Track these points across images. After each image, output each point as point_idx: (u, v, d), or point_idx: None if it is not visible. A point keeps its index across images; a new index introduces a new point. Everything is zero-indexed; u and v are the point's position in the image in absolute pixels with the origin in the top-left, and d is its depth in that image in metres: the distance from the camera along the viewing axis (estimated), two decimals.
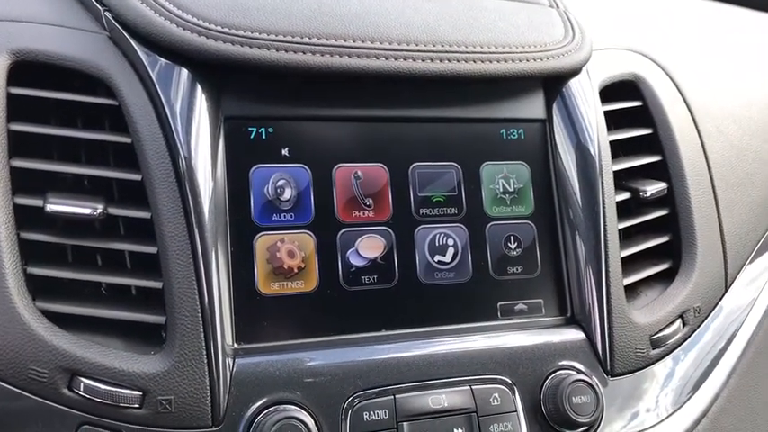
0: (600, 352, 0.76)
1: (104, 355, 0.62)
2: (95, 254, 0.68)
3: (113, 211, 0.66)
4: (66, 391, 0.61)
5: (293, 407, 0.64)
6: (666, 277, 0.84)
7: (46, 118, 0.69)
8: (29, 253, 0.65)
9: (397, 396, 0.68)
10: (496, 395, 0.71)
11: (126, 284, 0.67)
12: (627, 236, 0.83)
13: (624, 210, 0.82)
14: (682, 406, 0.79)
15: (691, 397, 0.80)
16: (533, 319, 0.77)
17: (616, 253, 0.78)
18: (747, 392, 0.84)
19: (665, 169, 0.87)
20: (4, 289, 0.62)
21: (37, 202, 0.65)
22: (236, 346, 0.67)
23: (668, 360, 0.80)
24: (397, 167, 0.75)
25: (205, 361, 0.64)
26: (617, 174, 0.82)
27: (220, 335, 0.65)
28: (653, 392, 0.78)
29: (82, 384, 0.61)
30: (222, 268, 0.67)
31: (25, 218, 0.65)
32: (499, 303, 0.77)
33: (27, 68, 0.68)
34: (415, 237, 0.75)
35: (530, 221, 0.79)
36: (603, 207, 0.78)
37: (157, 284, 0.65)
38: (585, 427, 0.72)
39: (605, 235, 0.78)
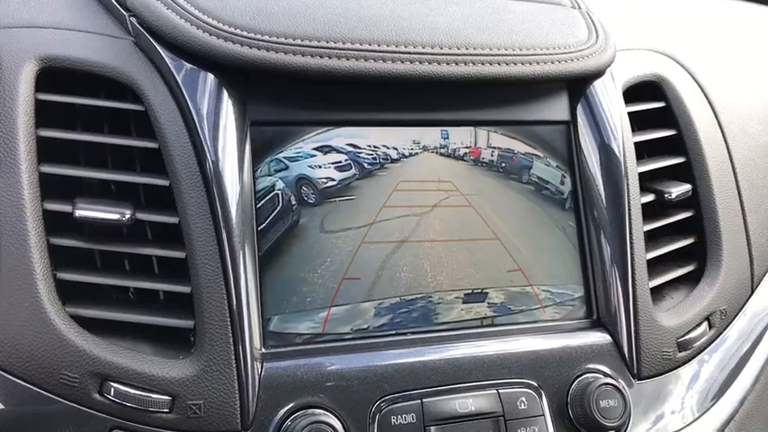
0: (626, 355, 0.75)
1: (134, 360, 0.63)
2: (124, 259, 0.68)
3: (141, 216, 0.67)
4: (96, 395, 0.62)
5: (321, 411, 0.65)
6: (692, 279, 0.84)
7: (73, 124, 0.70)
8: (58, 258, 0.65)
9: (424, 400, 0.68)
10: (523, 399, 0.71)
11: (154, 289, 0.67)
12: (652, 238, 0.82)
13: (649, 211, 0.82)
14: (708, 410, 0.78)
15: (717, 400, 0.79)
16: (559, 323, 0.77)
17: (642, 255, 0.78)
18: None
19: (689, 171, 0.87)
20: (35, 295, 0.62)
21: (66, 208, 0.65)
22: (263, 350, 0.67)
23: (694, 363, 0.79)
24: None
25: (234, 365, 0.64)
26: (641, 175, 0.82)
27: (249, 339, 0.65)
28: (679, 396, 0.77)
29: (112, 389, 0.62)
30: (250, 273, 0.67)
31: (54, 223, 0.65)
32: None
33: (54, 75, 0.68)
34: None
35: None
36: (629, 209, 0.78)
37: (186, 289, 0.65)
38: (612, 431, 0.72)
39: (631, 237, 0.77)
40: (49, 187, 0.66)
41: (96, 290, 0.66)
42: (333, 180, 0.73)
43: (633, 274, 0.76)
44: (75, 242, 0.66)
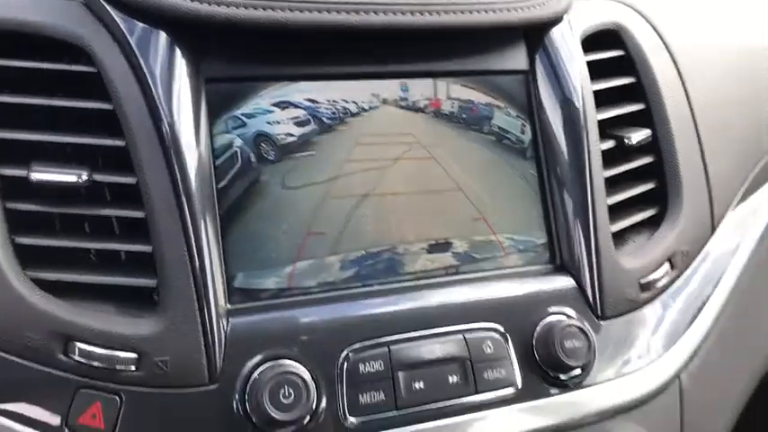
0: (590, 297, 0.77)
1: (98, 320, 0.63)
2: (83, 222, 0.68)
3: (99, 177, 0.66)
4: (61, 356, 0.62)
5: (289, 362, 0.65)
6: (654, 223, 0.85)
7: (24, 88, 0.69)
8: (16, 223, 0.65)
9: (391, 348, 0.69)
10: (489, 343, 0.72)
11: (115, 250, 0.67)
12: (613, 184, 0.83)
13: (610, 158, 0.83)
14: (671, 347, 0.80)
15: (680, 339, 0.81)
16: (523, 269, 0.78)
17: (603, 200, 0.79)
18: (735, 334, 0.85)
19: (649, 117, 0.87)
20: None
21: (21, 173, 0.65)
22: (229, 306, 0.67)
23: (657, 303, 0.81)
24: None
25: (198, 321, 0.64)
26: (601, 123, 0.82)
27: (213, 295, 0.65)
28: (643, 335, 0.79)
29: (77, 349, 0.62)
30: (211, 231, 0.67)
31: (10, 188, 0.65)
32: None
33: (2, 38, 0.67)
34: None
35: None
36: (589, 155, 0.79)
37: (147, 248, 0.65)
38: (579, 371, 0.73)
39: (591, 183, 0.78)
40: (3, 153, 0.65)
41: (57, 254, 0.66)
42: (292, 136, 0.73)
43: (594, 218, 0.77)
44: (32, 206, 0.65)
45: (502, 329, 0.73)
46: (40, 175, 0.65)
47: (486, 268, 0.77)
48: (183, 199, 0.65)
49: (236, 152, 0.70)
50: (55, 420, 0.61)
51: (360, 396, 0.67)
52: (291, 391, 0.63)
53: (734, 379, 0.86)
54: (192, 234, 0.65)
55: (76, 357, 0.62)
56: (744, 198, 0.91)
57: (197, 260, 0.65)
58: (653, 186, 0.86)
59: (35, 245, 0.64)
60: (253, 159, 0.71)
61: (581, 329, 0.73)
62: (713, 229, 0.87)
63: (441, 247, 0.76)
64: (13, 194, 0.65)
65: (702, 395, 0.81)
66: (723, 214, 0.89)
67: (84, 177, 0.65)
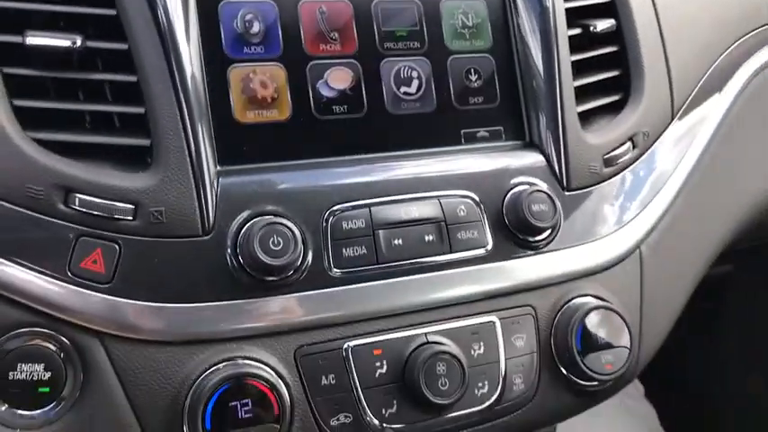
0: (556, 169, 0.82)
1: (96, 174, 0.67)
2: (77, 89, 0.71)
3: (91, 44, 0.70)
4: (62, 206, 0.66)
5: (277, 217, 0.70)
6: (618, 109, 0.90)
7: None
8: (14, 88, 0.68)
9: (372, 208, 0.74)
10: (462, 207, 0.77)
11: (109, 112, 0.70)
12: (580, 70, 0.88)
13: (577, 46, 0.87)
14: (633, 220, 0.86)
15: (641, 212, 0.87)
16: (494, 144, 0.83)
17: (569, 82, 0.84)
18: (692, 212, 0.92)
19: (614, 9, 0.92)
20: None
21: (16, 39, 0.68)
22: (218, 168, 0.72)
23: (619, 179, 0.86)
24: (360, 2, 0.79)
25: (191, 176, 0.68)
26: (569, 11, 0.87)
27: (204, 154, 0.69)
28: (606, 207, 0.85)
29: (77, 199, 0.66)
30: (201, 97, 0.71)
31: (7, 54, 0.68)
32: (462, 131, 0.82)
33: None
34: (381, 69, 0.79)
35: (488, 55, 0.84)
36: (557, 39, 0.83)
37: (140, 110, 0.69)
38: (546, 233, 0.79)
39: (559, 65, 0.83)
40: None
41: (53, 118, 0.69)
42: None
43: (561, 97, 0.82)
44: (28, 71, 0.68)
45: (474, 196, 0.78)
46: (36, 39, 0.68)
47: (461, 144, 0.82)
48: (174, 63, 0.69)
49: (221, 24, 0.74)
50: (59, 265, 0.65)
51: (344, 250, 0.72)
52: (280, 240, 0.68)
53: (691, 252, 0.93)
54: (182, 97, 0.69)
55: (77, 207, 0.66)
56: (702, 89, 0.97)
57: (188, 121, 0.69)
58: (617, 74, 0.90)
59: (33, 107, 0.68)
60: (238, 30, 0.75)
61: (548, 195, 0.78)
62: (673, 115, 0.92)
63: (420, 122, 0.81)
64: (11, 60, 0.68)
65: (661, 265, 0.87)
66: (683, 102, 0.94)
67: (79, 43, 0.69)
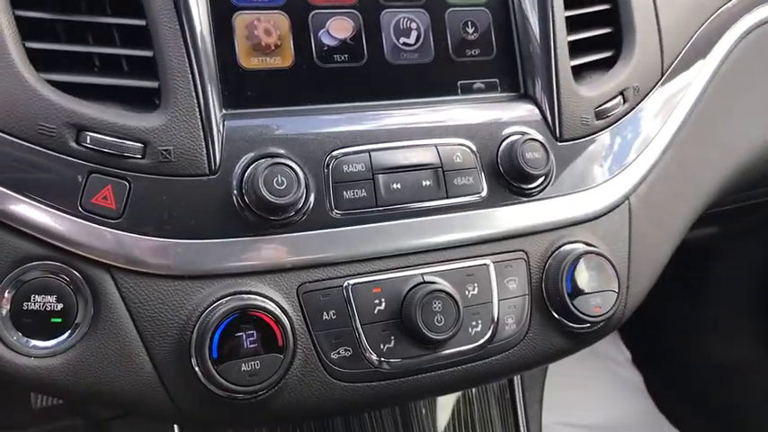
0: (549, 121, 0.85)
1: (107, 113, 0.69)
2: (86, 32, 0.73)
3: None
4: (73, 144, 0.68)
5: (281, 158, 0.72)
6: (610, 65, 0.93)
7: None
8: (26, 30, 0.70)
9: (372, 153, 0.77)
10: (459, 154, 0.80)
11: (118, 55, 0.72)
12: (574, 27, 0.90)
13: (571, 3, 0.90)
14: (623, 171, 0.89)
15: (630, 164, 0.90)
16: (490, 95, 0.85)
17: (563, 36, 0.86)
18: (681, 166, 0.95)
19: None
20: (7, 57, 0.67)
21: None
22: (224, 111, 0.74)
23: (611, 131, 0.89)
24: None
25: (198, 117, 0.71)
26: None
27: (210, 98, 0.72)
28: (597, 159, 0.87)
29: (88, 137, 0.68)
30: (207, 42, 0.73)
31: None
32: (459, 82, 0.85)
33: None
34: (381, 20, 0.82)
35: (485, 8, 0.87)
36: None
37: (148, 53, 0.71)
38: (539, 181, 0.82)
39: (553, 20, 0.85)
40: None
41: (64, 61, 0.71)
42: None
43: (555, 51, 0.85)
44: (40, 14, 0.70)
45: (470, 144, 0.81)
46: None
47: (458, 95, 0.84)
48: (182, 8, 0.71)
49: None
50: (70, 201, 0.68)
51: (344, 192, 0.75)
52: (284, 180, 0.71)
53: (678, 205, 0.96)
54: (189, 41, 0.71)
55: (88, 144, 0.68)
56: (692, 47, 0.99)
57: (195, 64, 0.71)
58: (610, 31, 0.93)
59: (45, 49, 0.70)
60: None
61: (541, 144, 0.81)
62: (663, 72, 0.95)
63: (418, 72, 0.83)
64: (23, 3, 0.70)
65: (648, 216, 0.90)
66: (673, 60, 0.97)
67: None
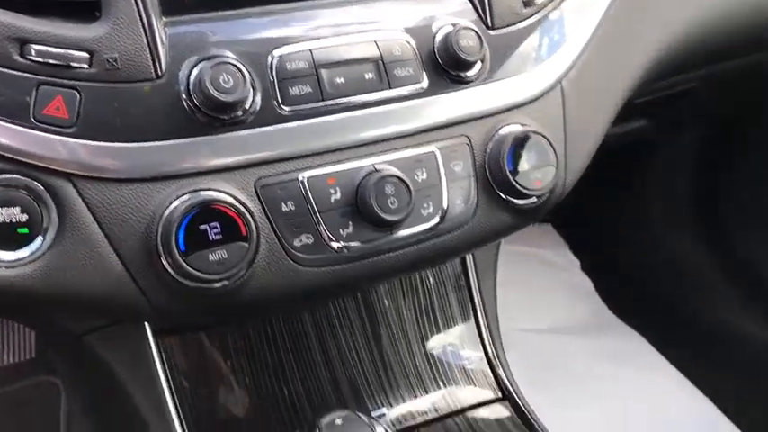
0: (480, 10, 0.89)
1: (50, 26, 0.70)
2: None
3: None
4: (19, 58, 0.69)
5: (225, 56, 0.75)
6: None
7: None
8: None
9: (313, 50, 0.80)
10: (398, 47, 0.84)
11: None
12: None
13: None
14: (553, 56, 0.93)
15: (560, 49, 0.94)
16: None
17: None
18: (606, 49, 1.00)
19: None
20: None
21: None
22: (164, 19, 0.75)
23: (539, 17, 0.93)
24: None
25: (140, 24, 0.72)
26: None
27: (150, 5, 0.73)
28: (529, 44, 0.92)
29: (33, 50, 0.69)
30: None
31: None
32: None
33: None
34: None
35: None
36: None
37: None
38: (476, 68, 0.86)
39: None
40: None
41: None
42: None
43: None
44: None
45: (408, 37, 0.84)
46: None
47: None
48: None
49: None
50: (23, 114, 0.69)
51: (290, 89, 0.78)
52: (230, 77, 0.73)
53: (607, 88, 1.01)
54: None
55: (33, 57, 0.69)
56: None
57: None
58: None
59: None
60: None
61: (473, 31, 0.85)
62: None
63: None
64: None
65: (580, 98, 0.95)
66: None
67: None
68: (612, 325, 2.16)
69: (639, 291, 2.19)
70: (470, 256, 1.04)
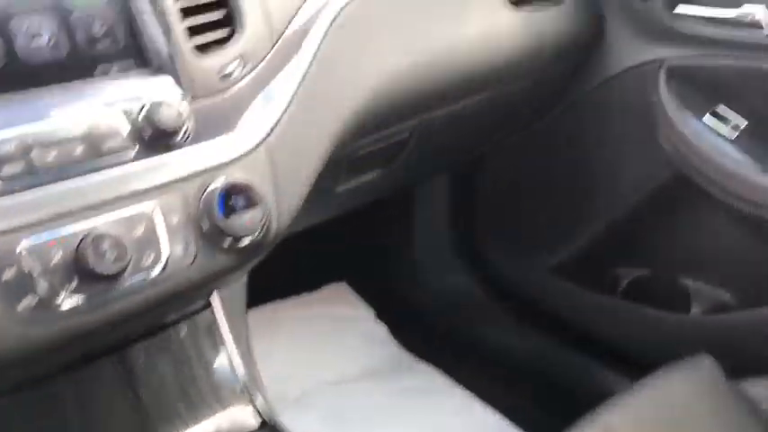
0: (181, 84, 1.03)
1: None
2: None
3: None
4: None
5: None
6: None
7: None
8: None
9: (23, 134, 0.89)
10: (107, 122, 0.94)
11: None
12: (189, 14, 1.09)
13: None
14: (256, 118, 1.10)
15: (261, 115, 1.11)
16: (130, 72, 1.01)
17: (177, 21, 1.04)
18: (303, 114, 1.16)
19: None
20: None
21: None
22: None
23: (240, 88, 1.09)
24: None
25: None
26: None
27: None
28: (233, 109, 1.08)
29: None
30: None
31: None
32: (99, 65, 1.00)
33: None
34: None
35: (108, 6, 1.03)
36: None
37: None
38: (181, 133, 0.99)
39: (165, 11, 1.04)
40: None
41: None
42: None
43: (172, 35, 1.03)
44: None
45: (115, 111, 0.95)
46: None
47: (101, 77, 1.00)
48: None
49: None
50: None
51: (3, 167, 0.86)
52: None
53: (313, 139, 1.20)
54: None
55: None
56: (300, 22, 1.24)
57: None
58: (225, 13, 1.14)
59: None
60: None
61: (173, 103, 0.99)
62: (274, 43, 1.18)
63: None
64: None
65: (285, 152, 1.12)
66: (278, 39, 1.19)
67: None
68: (410, 365, 2.35)
69: (428, 328, 2.40)
70: (219, 302, 1.16)
